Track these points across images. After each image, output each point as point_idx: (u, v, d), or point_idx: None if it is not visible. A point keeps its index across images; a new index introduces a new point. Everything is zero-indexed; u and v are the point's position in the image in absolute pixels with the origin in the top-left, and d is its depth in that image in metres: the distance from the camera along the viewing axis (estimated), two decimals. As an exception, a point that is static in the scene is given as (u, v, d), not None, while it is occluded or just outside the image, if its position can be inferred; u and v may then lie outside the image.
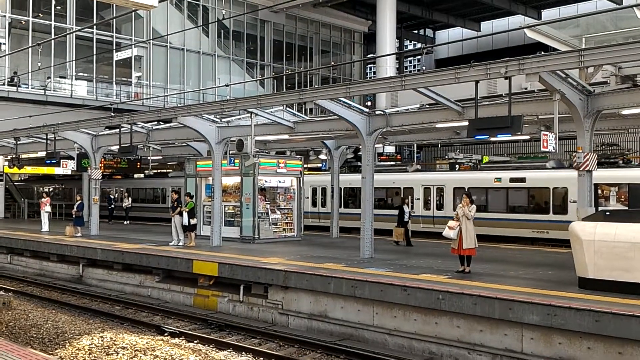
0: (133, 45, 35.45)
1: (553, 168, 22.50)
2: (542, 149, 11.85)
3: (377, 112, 17.01)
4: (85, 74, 34.98)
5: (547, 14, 41.89)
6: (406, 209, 19.87)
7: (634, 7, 12.54)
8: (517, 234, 21.67)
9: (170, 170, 40.14)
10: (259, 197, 20.26)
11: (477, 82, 12.29)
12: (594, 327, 9.03)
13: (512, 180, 22.53)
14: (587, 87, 12.19)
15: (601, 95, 12.19)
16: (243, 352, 11.02)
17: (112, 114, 23.92)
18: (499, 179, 22.95)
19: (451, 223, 13.00)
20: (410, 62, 53.49)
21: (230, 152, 20.57)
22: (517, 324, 9.94)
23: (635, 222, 10.51)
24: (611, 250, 10.30)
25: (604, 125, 15.17)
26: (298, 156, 23.54)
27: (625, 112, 13.19)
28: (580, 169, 11.95)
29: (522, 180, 22.30)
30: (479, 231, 21.38)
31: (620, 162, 19.94)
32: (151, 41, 35.45)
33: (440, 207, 24.52)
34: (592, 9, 35.54)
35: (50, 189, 43.58)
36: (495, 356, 10.14)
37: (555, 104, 11.71)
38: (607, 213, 11.19)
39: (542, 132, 11.93)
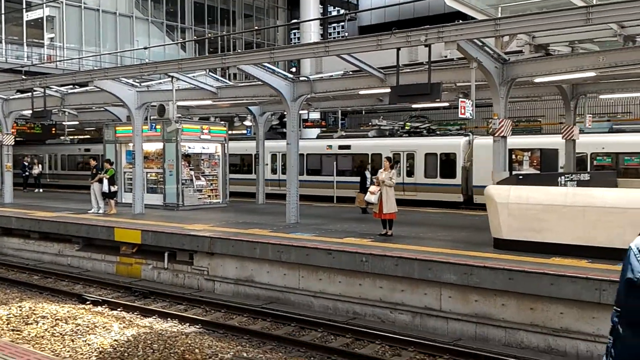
0: (44, 5, 33.61)
1: (373, 137, 25.92)
2: (460, 116, 12.25)
3: (301, 79, 17.04)
4: (-7, 35, 32.97)
5: (467, -18, 42.72)
6: (368, 174, 19.03)
7: (548, -21, 13.02)
8: (344, 194, 23.97)
9: (89, 137, 38.78)
10: (183, 163, 19.96)
11: (398, 49, 12.50)
12: (507, 284, 9.56)
13: (340, 147, 26.08)
14: (502, 55, 12.63)
15: (516, 63, 12.67)
16: (169, 319, 11.00)
17: (24, 77, 22.77)
18: (330, 146, 26.18)
19: (372, 188, 13.34)
20: (334, 28, 53.39)
21: (152, 117, 20.08)
22: (436, 283, 10.39)
23: (546, 185, 11.12)
24: (524, 212, 10.87)
25: (518, 92, 15.83)
26: (222, 122, 23.26)
27: (537, 80, 13.77)
28: (496, 135, 12.45)
29: (348, 147, 25.93)
30: (311, 192, 23.02)
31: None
32: (64, 1, 33.73)
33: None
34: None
35: None
36: (416, 314, 10.58)
37: (472, 72, 12.08)
38: (520, 177, 11.76)
39: (460, 99, 12.32)
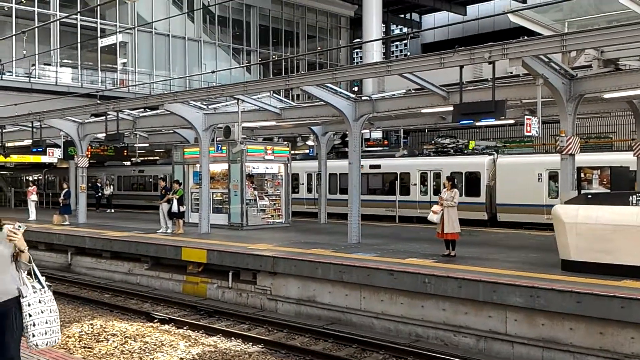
0: (118, 32, 35.16)
1: (402, 156, 26.07)
2: (526, 133, 11.99)
3: (363, 98, 17.10)
4: (70, 61, 34.67)
5: (533, -3, 41.94)
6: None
7: (616, -8, 12.63)
8: (374, 212, 24.37)
9: (158, 158, 40.03)
10: (247, 183, 20.33)
11: (461, 67, 12.36)
12: (575, 308, 9.23)
13: (371, 167, 25.94)
14: (569, 71, 12.31)
15: (583, 79, 12.32)
16: (232, 338, 11.15)
17: (98, 101, 23.82)
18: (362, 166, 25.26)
19: (435, 207, 13.20)
20: (396, 46, 53.46)
21: (218, 138, 20.58)
22: (501, 306, 10.13)
23: (616, 204, 10.70)
24: (593, 232, 10.49)
25: (586, 109, 15.36)
26: (285, 142, 23.59)
27: (607, 95, 13.34)
28: (563, 153, 12.10)
29: (378, 167, 26.13)
30: (343, 210, 22.24)
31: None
32: (136, 27, 35.18)
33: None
34: (577, -8, 35.64)
35: (38, 177, 43.30)
36: (480, 338, 10.34)
37: (538, 89, 11.83)
38: (589, 196, 11.37)
39: (526, 117, 12.06)
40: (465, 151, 25.33)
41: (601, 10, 14.84)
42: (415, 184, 24.90)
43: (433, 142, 27.14)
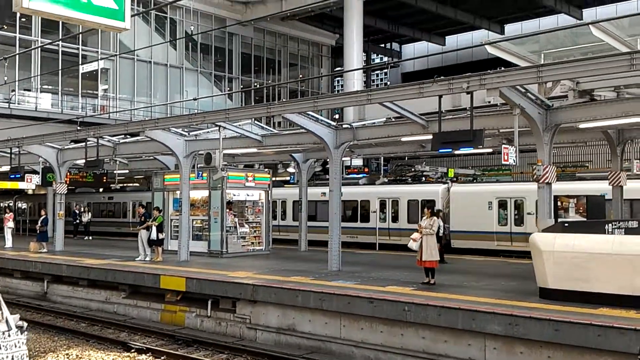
0: (99, 59, 35.16)
1: (363, 184, 26.27)
2: (504, 162, 12.15)
3: (344, 126, 17.21)
4: (51, 87, 34.53)
5: (510, 28, 42.78)
6: (440, 222, 17.46)
7: (590, 25, 12.96)
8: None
9: (137, 185, 39.78)
10: (227, 210, 20.26)
11: (440, 96, 12.56)
12: (553, 336, 9.28)
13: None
14: (545, 101, 12.55)
15: (559, 109, 12.55)
16: (210, 367, 11.01)
17: (78, 127, 23.70)
18: (324, 193, 25.51)
19: (414, 235, 13.26)
20: (377, 75, 54.05)
21: (199, 165, 20.56)
22: (480, 334, 10.15)
23: (592, 232, 10.85)
24: (570, 260, 10.60)
25: (563, 138, 15.60)
26: (266, 169, 23.61)
27: (582, 125, 13.59)
28: (540, 182, 12.27)
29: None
30: (311, 237, 22.71)
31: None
32: (118, 54, 35.22)
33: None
34: (553, 24, 36.49)
35: (8, 204, 42.61)
36: (460, 366, 10.32)
37: (515, 118, 12.02)
38: (566, 224, 11.52)
39: (503, 146, 12.24)
40: (422, 179, 26.16)
41: (576, 43, 15.20)
42: (374, 212, 25.13)
43: (413, 169, 27.44)
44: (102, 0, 4.63)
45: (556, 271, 10.74)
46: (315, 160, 23.21)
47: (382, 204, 25.17)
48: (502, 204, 21.95)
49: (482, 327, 10.03)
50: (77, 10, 4.49)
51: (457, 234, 22.54)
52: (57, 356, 10.99)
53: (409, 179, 26.97)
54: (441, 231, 17.47)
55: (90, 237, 30.49)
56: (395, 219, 24.78)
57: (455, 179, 25.67)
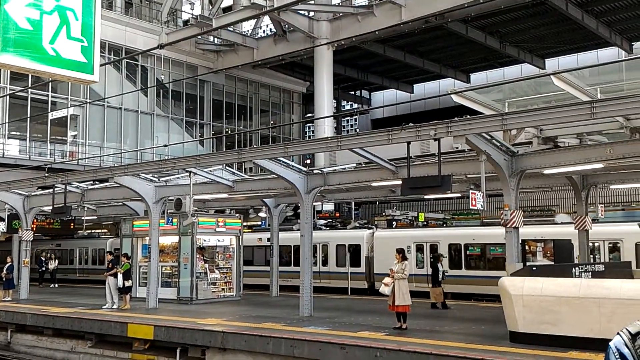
0: (69, 106, 35.02)
1: (298, 230, 25.98)
2: (471, 207, 12.36)
3: (315, 171, 17.38)
4: (19, 133, 34.18)
5: (475, 77, 43.95)
6: (440, 267, 18.04)
7: (551, 75, 13.47)
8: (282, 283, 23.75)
9: (105, 231, 39.18)
10: (198, 256, 20.07)
11: (408, 143, 12.82)
12: (524, 380, 9.32)
13: (268, 239, 25.17)
14: (510, 148, 12.89)
15: (524, 155, 12.90)
16: (179, 418, 10.75)
17: (46, 173, 23.45)
18: (260, 239, 27.29)
19: (386, 280, 13.28)
20: (347, 121, 54.76)
21: (168, 211, 20.41)
22: (452, 379, 10.13)
23: (560, 276, 11.03)
24: (539, 304, 10.73)
25: (528, 183, 15.97)
26: (237, 214, 23.55)
27: (547, 171, 13.95)
28: (507, 226, 12.49)
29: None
30: (250, 282, 23.26)
31: None
32: (88, 102, 35.14)
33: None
34: (517, 74, 37.61)
35: None
36: (432, 412, 10.25)
37: (482, 164, 12.31)
38: (534, 268, 11.69)
39: (471, 191, 12.48)
40: (348, 227, 27.61)
41: (539, 92, 15.75)
42: None
43: (384, 214, 27.77)
44: (71, 54, 4.68)
45: (525, 315, 10.85)
46: (286, 205, 23.27)
47: (314, 249, 25.46)
48: (419, 248, 23.10)
49: (454, 372, 10.02)
50: (45, 64, 4.54)
51: (380, 276, 22.95)
52: (20, 409, 10.64)
53: (338, 225, 28.59)
54: (440, 275, 17.79)
55: (57, 285, 29.80)
56: (325, 262, 25.79)
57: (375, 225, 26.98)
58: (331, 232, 27.18)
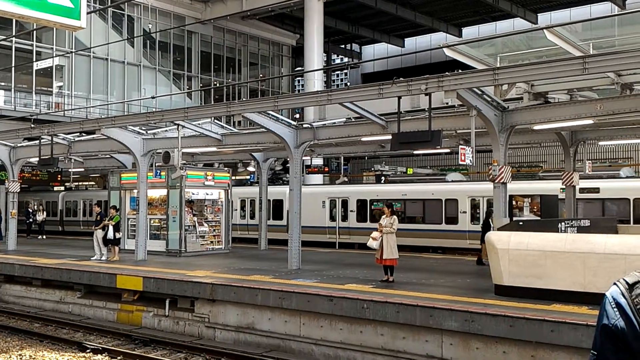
0: (54, 56, 34.35)
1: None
2: (460, 162, 12.38)
3: (304, 126, 17.27)
4: (3, 83, 33.57)
5: (467, 31, 43.51)
6: (491, 223, 15.17)
7: (544, 29, 13.31)
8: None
9: (93, 183, 39.03)
10: (186, 209, 20.07)
11: (399, 97, 12.73)
12: (508, 331, 9.50)
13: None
14: (501, 103, 12.84)
15: (515, 111, 12.87)
16: (169, 367, 10.91)
17: (32, 125, 23.15)
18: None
19: (374, 234, 13.36)
20: (337, 75, 54.29)
21: (157, 164, 20.30)
22: (437, 330, 10.32)
23: (545, 231, 11.15)
24: (524, 258, 10.87)
25: (518, 139, 15.99)
26: (226, 168, 23.48)
27: (536, 127, 13.93)
28: (496, 181, 12.54)
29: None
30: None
31: None
32: (74, 52, 34.47)
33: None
34: (509, 28, 37.20)
35: None
36: (417, 362, 10.48)
37: (472, 119, 12.27)
38: (521, 223, 11.80)
39: (460, 146, 12.47)
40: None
41: (531, 46, 15.57)
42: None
43: (372, 169, 27.86)
44: (57, -2, 4.55)
45: (511, 268, 11.00)
46: (275, 160, 23.20)
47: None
48: (333, 202, 25.45)
49: (440, 324, 10.20)
50: (30, 9, 4.40)
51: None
52: (10, 357, 10.73)
53: (281, 181, 31.12)
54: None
55: (44, 237, 29.81)
56: (253, 215, 27.69)
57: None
58: (271, 187, 26.59)
